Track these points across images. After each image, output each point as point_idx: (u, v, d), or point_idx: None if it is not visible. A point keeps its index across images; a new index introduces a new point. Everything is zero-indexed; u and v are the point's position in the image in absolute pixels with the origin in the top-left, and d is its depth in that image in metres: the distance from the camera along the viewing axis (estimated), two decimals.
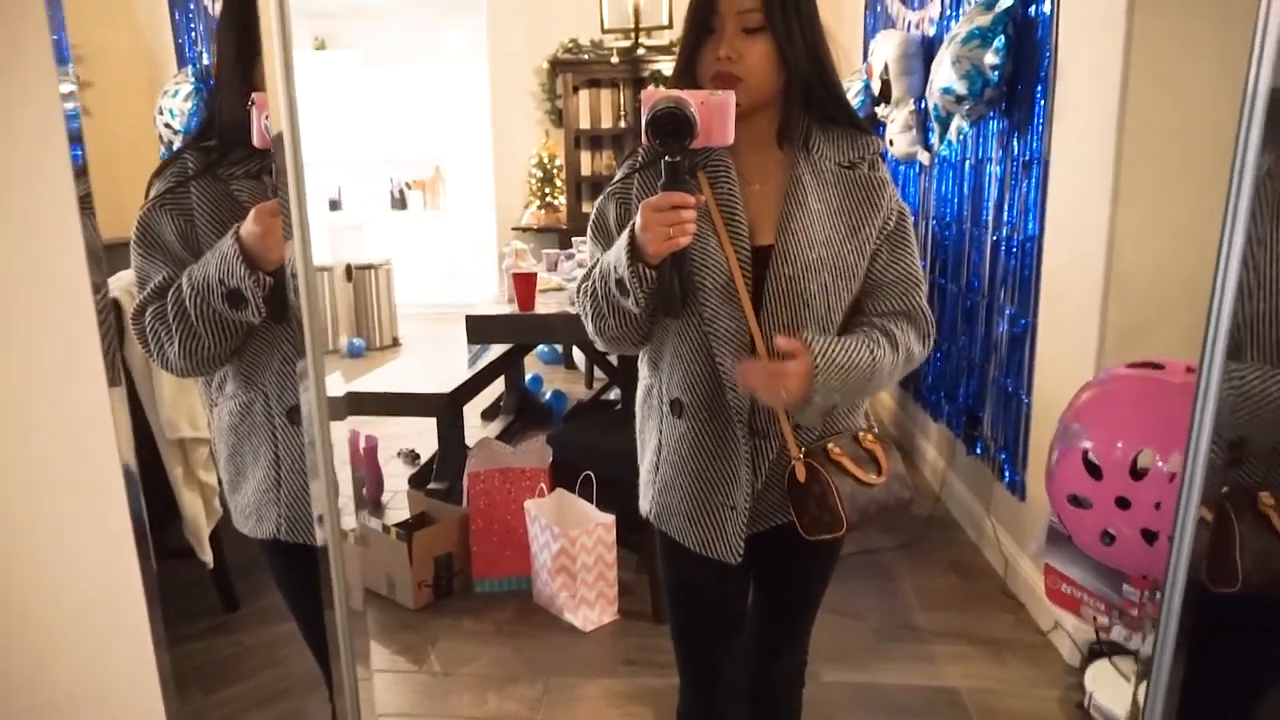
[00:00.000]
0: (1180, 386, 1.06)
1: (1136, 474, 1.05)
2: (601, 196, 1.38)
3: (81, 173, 0.85)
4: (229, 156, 1.36)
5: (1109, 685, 2.13)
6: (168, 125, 4.11)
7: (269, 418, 1.39)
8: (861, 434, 1.34)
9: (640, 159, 1.35)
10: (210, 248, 1.35)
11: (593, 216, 1.40)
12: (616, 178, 1.37)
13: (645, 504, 1.44)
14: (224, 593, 2.78)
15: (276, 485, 1.39)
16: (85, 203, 0.86)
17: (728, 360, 1.28)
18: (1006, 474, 2.84)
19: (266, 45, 0.72)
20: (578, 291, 1.40)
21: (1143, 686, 0.85)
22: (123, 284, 2.22)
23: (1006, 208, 2.83)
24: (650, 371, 1.42)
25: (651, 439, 1.42)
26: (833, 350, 1.23)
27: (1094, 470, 1.08)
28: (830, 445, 1.29)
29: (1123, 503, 1.06)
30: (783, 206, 1.28)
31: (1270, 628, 1.24)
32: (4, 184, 0.82)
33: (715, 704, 1.46)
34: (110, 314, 0.92)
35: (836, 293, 1.29)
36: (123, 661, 0.89)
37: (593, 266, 1.37)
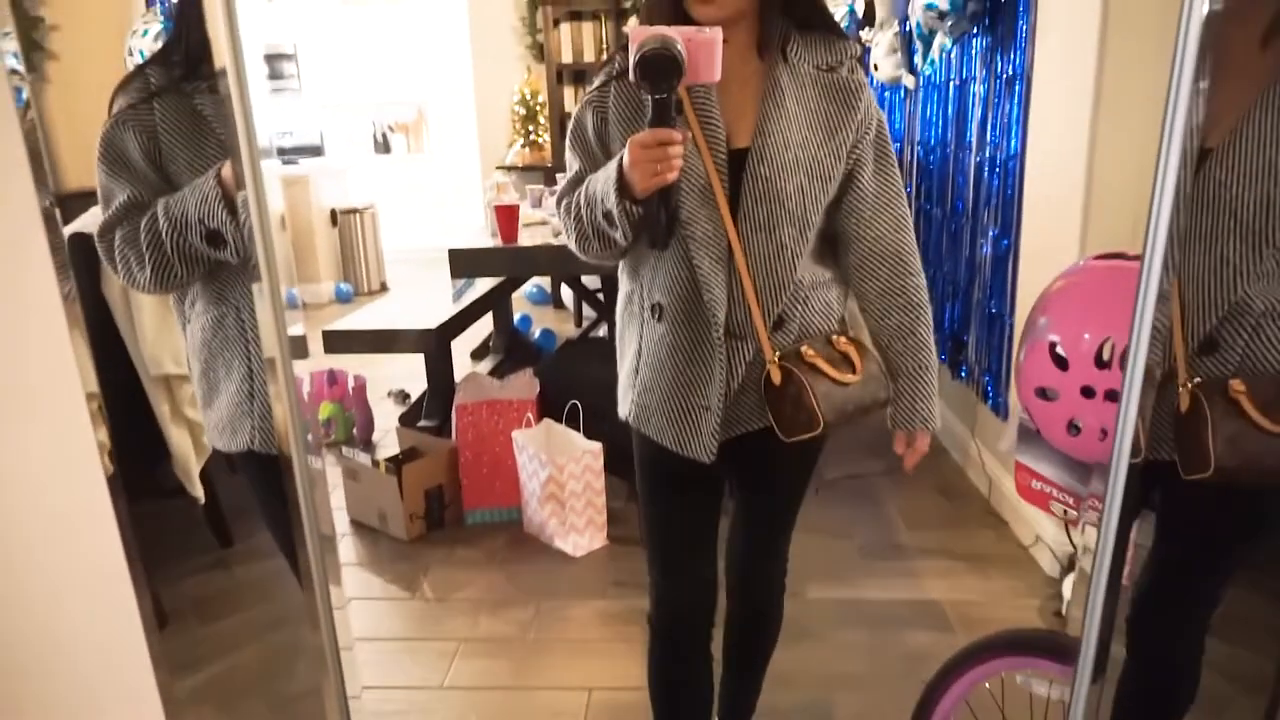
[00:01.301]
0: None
1: (1101, 363, 1.06)
2: (579, 105, 1.38)
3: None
4: (194, 71, 1.34)
5: None
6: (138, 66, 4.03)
7: (241, 330, 1.40)
8: (835, 336, 1.35)
9: (617, 67, 1.34)
10: (175, 164, 1.35)
11: (570, 126, 1.39)
12: (593, 86, 1.36)
13: (624, 408, 1.46)
14: (217, 529, 2.81)
15: (250, 397, 1.41)
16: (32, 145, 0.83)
17: (705, 263, 1.28)
18: (990, 396, 2.86)
19: None
20: (558, 204, 1.41)
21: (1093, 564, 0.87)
22: (96, 218, 2.20)
23: (990, 127, 2.81)
24: (630, 279, 1.43)
25: (631, 344, 1.44)
26: (932, 399, 1.38)
27: (1060, 362, 1.09)
28: (804, 348, 1.31)
29: (1088, 392, 1.07)
30: (760, 109, 1.28)
31: (1241, 513, 1.27)
32: None
33: (685, 601, 1.48)
34: (64, 245, 0.90)
35: (813, 194, 1.29)
36: (103, 600, 0.89)
37: (574, 185, 1.37)
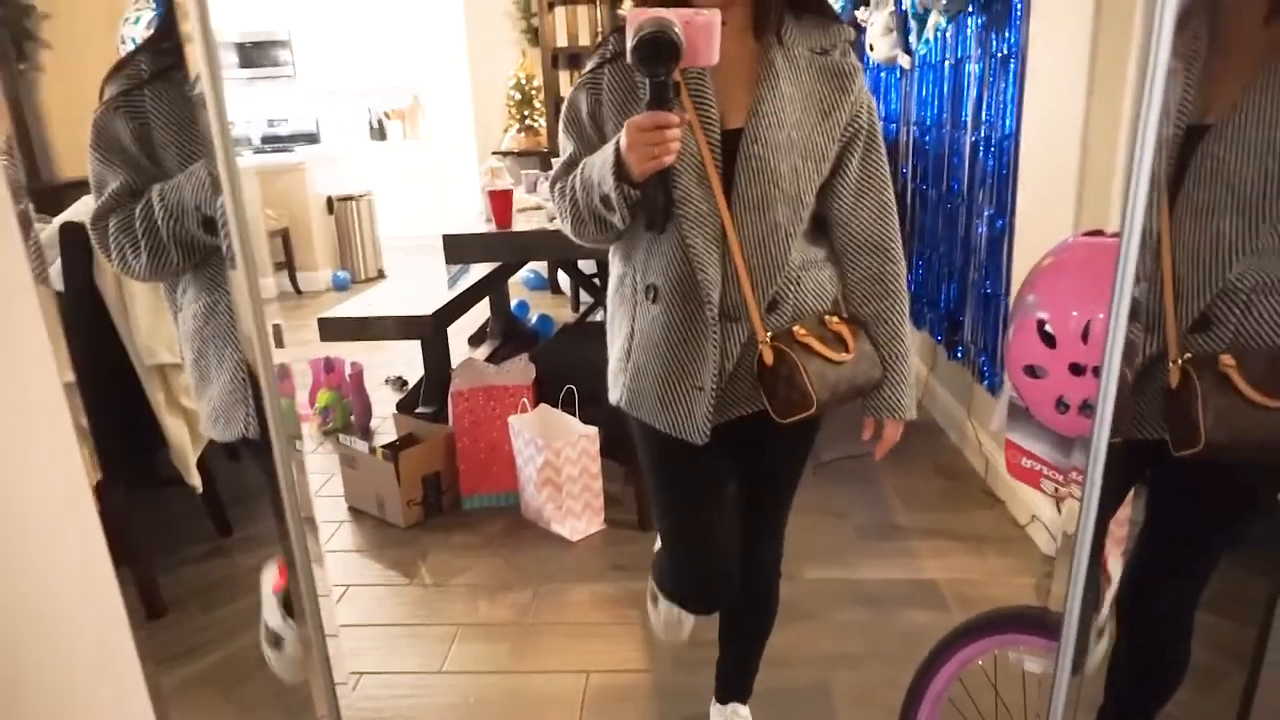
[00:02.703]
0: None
1: (1089, 340, 1.06)
2: (573, 88, 1.38)
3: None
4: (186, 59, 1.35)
5: None
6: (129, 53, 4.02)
7: (234, 318, 1.40)
8: (827, 317, 1.35)
9: (610, 49, 1.34)
10: (166, 151, 1.35)
11: (564, 109, 1.39)
12: (587, 69, 1.37)
13: (616, 393, 1.46)
14: (216, 518, 2.82)
15: (244, 384, 1.42)
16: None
17: (699, 243, 1.28)
18: (986, 376, 2.86)
19: None
20: (552, 188, 1.40)
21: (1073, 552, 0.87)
22: (88, 208, 2.20)
23: (985, 106, 2.79)
24: (623, 262, 1.43)
25: (623, 328, 1.43)
26: (903, 388, 1.40)
27: (1049, 339, 1.09)
28: (796, 328, 1.31)
29: (1076, 369, 1.07)
30: (754, 91, 1.28)
31: (1231, 490, 1.27)
32: None
33: (702, 594, 1.49)
34: (34, 233, 0.90)
35: (806, 174, 1.29)
36: (92, 592, 0.88)
37: (568, 168, 1.37)
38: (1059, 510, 1.76)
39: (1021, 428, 1.22)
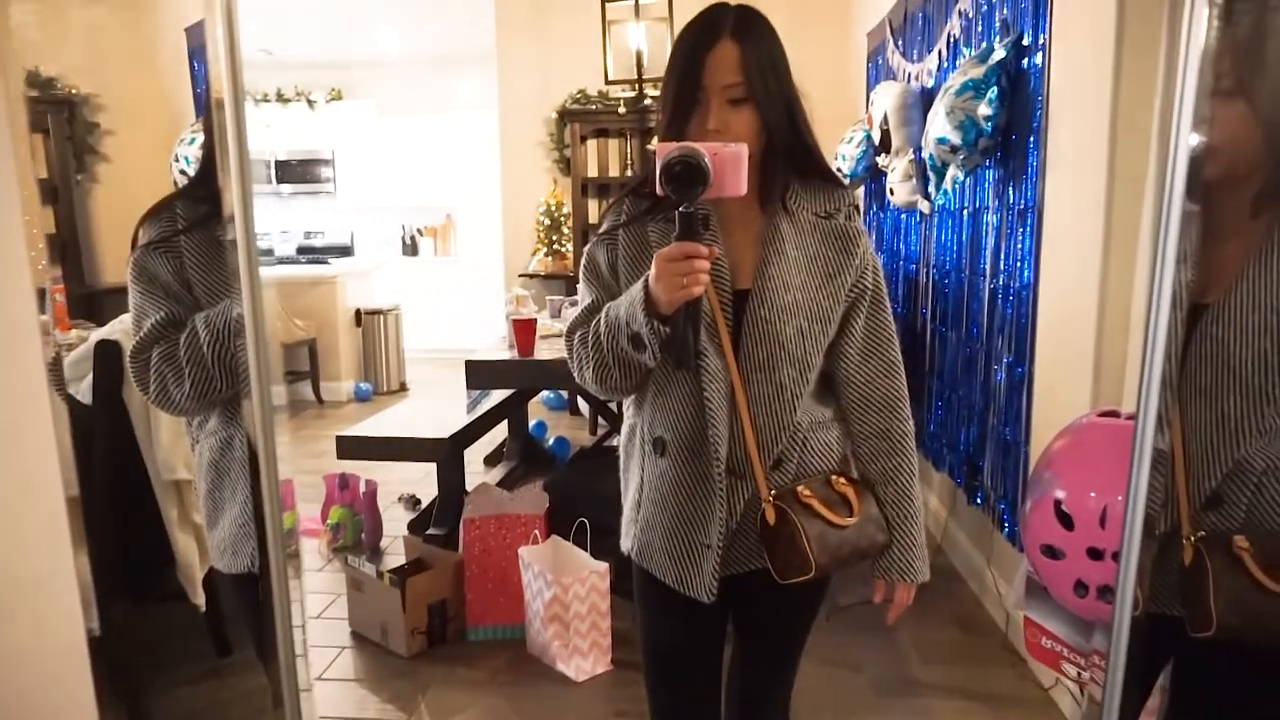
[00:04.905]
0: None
1: (1106, 524, 1.03)
2: (590, 243, 1.42)
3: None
4: (220, 209, 1.40)
5: None
6: (183, 172, 4.21)
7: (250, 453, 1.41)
8: (834, 476, 1.34)
9: (625, 211, 1.38)
10: (199, 289, 1.38)
11: (584, 262, 1.42)
12: (603, 228, 1.41)
13: (627, 542, 1.45)
14: (217, 637, 2.77)
15: (253, 519, 1.41)
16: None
17: (714, 398, 1.29)
18: (1006, 525, 2.80)
19: (218, 90, 0.73)
20: (570, 337, 1.40)
21: None
22: (125, 326, 2.26)
23: (1003, 256, 2.84)
24: (634, 412, 1.43)
25: (634, 478, 1.43)
26: (914, 550, 1.36)
27: (1065, 520, 1.07)
28: (800, 488, 1.30)
29: (1095, 553, 1.05)
30: (761, 253, 1.31)
31: (1246, 673, 1.21)
32: None
33: None
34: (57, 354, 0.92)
35: (812, 336, 1.31)
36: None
37: (589, 315, 1.38)
38: (1080, 695, 1.68)
39: (1040, 605, 1.19)
